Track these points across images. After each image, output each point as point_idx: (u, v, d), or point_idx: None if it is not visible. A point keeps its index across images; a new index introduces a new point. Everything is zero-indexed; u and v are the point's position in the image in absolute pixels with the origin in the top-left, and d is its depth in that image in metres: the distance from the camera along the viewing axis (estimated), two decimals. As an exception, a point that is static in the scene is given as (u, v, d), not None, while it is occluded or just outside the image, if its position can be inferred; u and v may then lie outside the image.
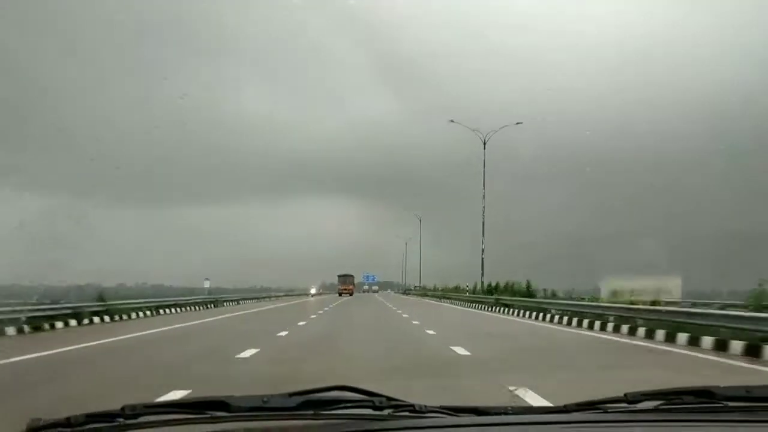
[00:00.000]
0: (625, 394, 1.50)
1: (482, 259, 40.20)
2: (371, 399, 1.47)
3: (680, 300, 24.48)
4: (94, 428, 1.34)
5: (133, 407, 1.38)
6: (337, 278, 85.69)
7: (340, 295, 73.63)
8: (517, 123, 40.83)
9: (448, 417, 1.43)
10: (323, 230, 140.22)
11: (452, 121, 43.05)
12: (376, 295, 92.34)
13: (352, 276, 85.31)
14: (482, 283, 39.91)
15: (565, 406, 1.48)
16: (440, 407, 1.46)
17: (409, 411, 1.44)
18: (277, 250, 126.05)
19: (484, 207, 40.59)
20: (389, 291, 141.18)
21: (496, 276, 43.88)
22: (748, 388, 1.54)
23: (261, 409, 1.42)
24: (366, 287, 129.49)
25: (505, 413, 1.47)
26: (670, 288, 24.90)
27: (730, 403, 1.45)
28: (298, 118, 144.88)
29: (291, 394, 1.47)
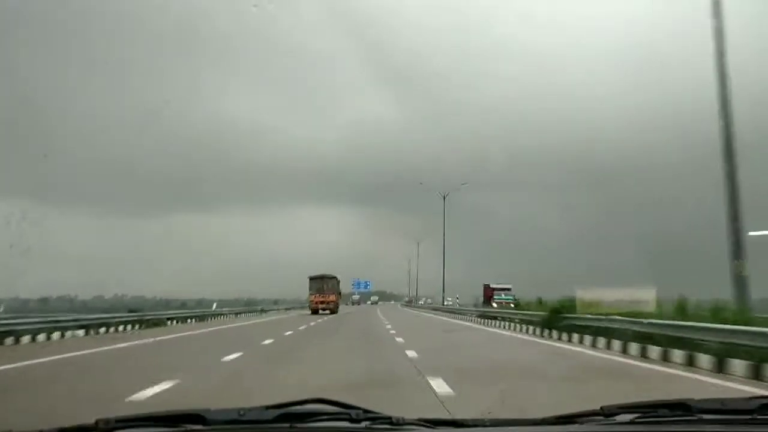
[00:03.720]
0: (602, 407, 1.48)
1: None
2: (348, 412, 1.45)
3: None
4: None
5: (107, 421, 1.34)
6: (308, 283, 47.10)
7: (313, 312, 43.55)
8: (463, 184, 58.99)
9: (426, 430, 1.43)
10: (314, 239, 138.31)
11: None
12: (377, 310, 62.22)
13: (334, 279, 47.28)
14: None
15: (542, 419, 1.47)
16: (418, 420, 1.45)
17: (387, 424, 1.42)
18: (266, 260, 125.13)
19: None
20: (393, 302, 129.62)
21: (473, 286, 44.43)
22: (722, 401, 1.55)
23: (237, 422, 1.40)
24: (356, 297, 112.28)
25: (483, 425, 1.45)
26: (646, 299, 24.52)
27: (705, 416, 1.44)
28: (286, 123, 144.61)
29: (267, 407, 1.44)
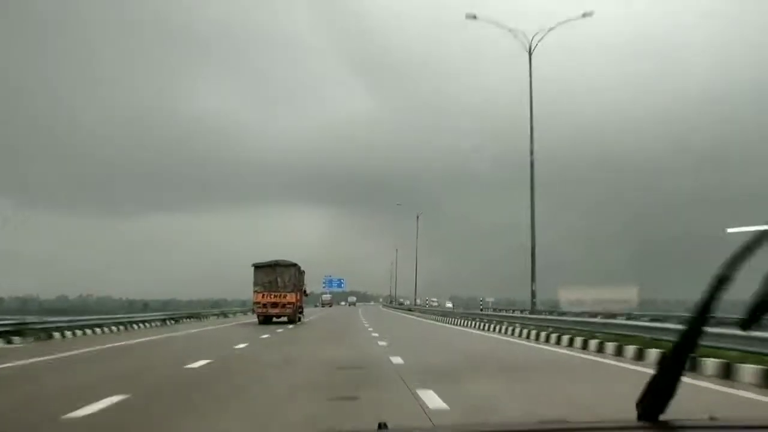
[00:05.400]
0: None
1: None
2: None
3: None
4: None
5: None
6: (253, 275, 30.75)
7: (262, 321, 29.33)
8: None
9: None
10: (286, 238, 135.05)
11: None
12: (358, 313, 52.50)
13: (294, 268, 31.28)
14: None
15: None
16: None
17: None
18: (239, 260, 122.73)
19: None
20: (372, 303, 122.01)
21: (453, 288, 43.22)
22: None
23: None
24: (326, 297, 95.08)
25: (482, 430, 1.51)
26: (628, 297, 24.08)
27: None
28: (264, 119, 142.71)
29: None
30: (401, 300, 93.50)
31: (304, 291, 33.45)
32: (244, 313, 39.05)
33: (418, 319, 41.03)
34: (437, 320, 36.63)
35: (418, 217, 63.07)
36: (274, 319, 29.28)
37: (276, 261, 30.41)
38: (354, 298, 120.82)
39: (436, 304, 71.00)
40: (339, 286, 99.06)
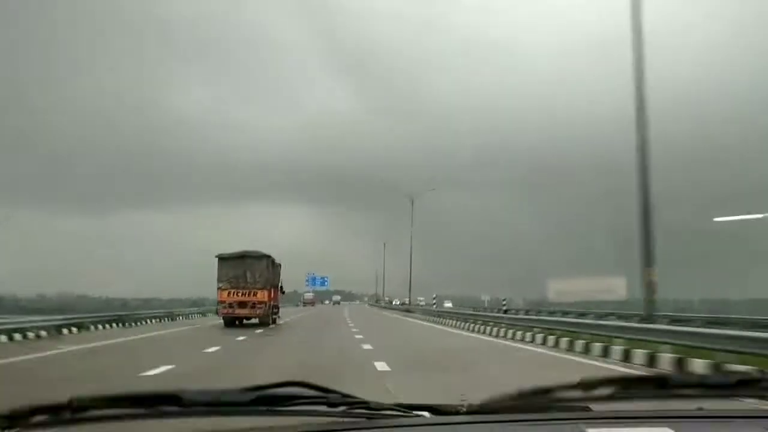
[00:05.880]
0: (580, 381, 1.47)
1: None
2: (326, 396, 1.45)
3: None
4: (39, 421, 1.31)
5: (81, 399, 1.34)
6: (217, 269, 25.47)
7: (228, 323, 25.19)
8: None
9: (403, 416, 1.45)
10: (268, 237, 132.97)
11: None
12: (344, 313, 48.05)
13: (266, 260, 26.12)
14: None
15: (519, 393, 1.47)
16: (395, 404, 1.48)
17: (365, 408, 1.44)
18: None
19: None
20: (357, 302, 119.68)
21: (437, 288, 42.31)
22: (701, 376, 1.69)
23: (214, 404, 1.39)
24: (309, 296, 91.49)
25: (459, 413, 1.47)
26: (616, 288, 23.96)
27: (684, 390, 1.47)
28: (246, 117, 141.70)
29: (244, 390, 1.41)
30: (389, 298, 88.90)
31: (280, 288, 28.97)
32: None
33: (421, 322, 32.97)
34: (438, 323, 30.09)
35: (412, 202, 56.76)
36: (245, 321, 25.26)
37: (244, 251, 25.48)
38: (338, 297, 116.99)
39: (423, 303, 67.40)
40: (323, 284, 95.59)
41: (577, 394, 1.47)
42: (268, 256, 26.02)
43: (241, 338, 18.31)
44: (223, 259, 25.20)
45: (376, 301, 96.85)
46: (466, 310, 37.26)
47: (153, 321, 29.08)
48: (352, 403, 1.46)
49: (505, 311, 34.07)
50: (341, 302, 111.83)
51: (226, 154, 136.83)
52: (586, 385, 1.48)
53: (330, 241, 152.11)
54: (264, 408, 1.41)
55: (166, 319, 30.87)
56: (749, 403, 1.52)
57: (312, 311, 58.74)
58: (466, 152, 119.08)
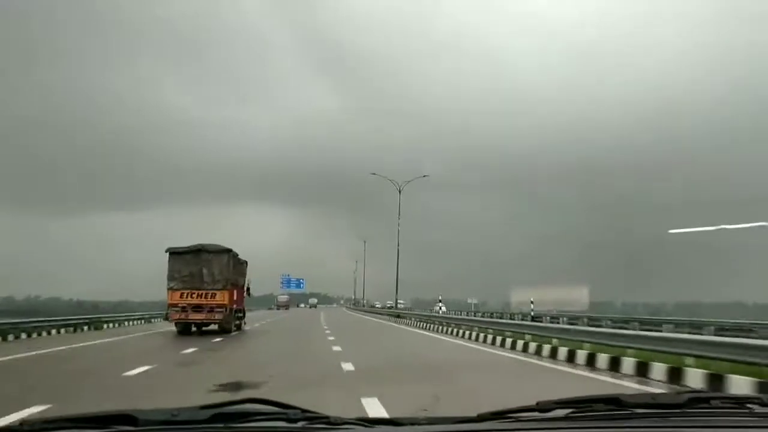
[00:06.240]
0: (537, 403, 1.54)
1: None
2: (285, 412, 1.45)
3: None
4: None
5: (32, 423, 1.33)
6: (168, 265, 21.66)
7: (181, 330, 21.71)
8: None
9: (363, 429, 1.43)
10: (253, 238, 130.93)
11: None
12: (321, 318, 42.81)
13: (227, 255, 22.22)
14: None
15: (479, 415, 1.51)
16: (356, 419, 1.46)
17: (325, 423, 1.43)
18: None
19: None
20: (335, 306, 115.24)
21: (416, 291, 41.65)
22: (653, 396, 1.66)
23: (170, 423, 1.37)
24: (283, 299, 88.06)
25: (420, 424, 1.48)
26: (579, 297, 24.58)
27: (637, 410, 1.52)
28: (223, 116, 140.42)
29: (202, 407, 1.42)
30: (367, 300, 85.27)
31: (247, 289, 25.46)
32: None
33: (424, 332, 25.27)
34: (428, 329, 26.06)
35: (400, 191, 48.66)
36: (203, 328, 21.98)
37: (201, 245, 21.78)
38: (315, 300, 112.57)
39: (390, 305, 64.32)
40: (298, 286, 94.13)
41: (535, 414, 1.52)
42: (230, 251, 22.40)
43: (188, 351, 14.47)
44: (175, 253, 21.69)
45: (354, 303, 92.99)
46: (465, 315, 33.36)
47: (62, 331, 22.98)
48: (311, 418, 1.45)
49: (532, 318, 27.34)
50: (318, 305, 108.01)
51: (202, 155, 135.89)
52: (544, 406, 1.54)
53: (307, 243, 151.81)
54: (221, 425, 1.38)
55: (85, 327, 24.90)
56: (700, 421, 1.51)
57: (284, 315, 54.68)
58: (451, 153, 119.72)
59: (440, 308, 40.41)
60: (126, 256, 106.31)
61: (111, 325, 27.33)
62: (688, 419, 1.51)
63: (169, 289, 21.42)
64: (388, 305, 69.19)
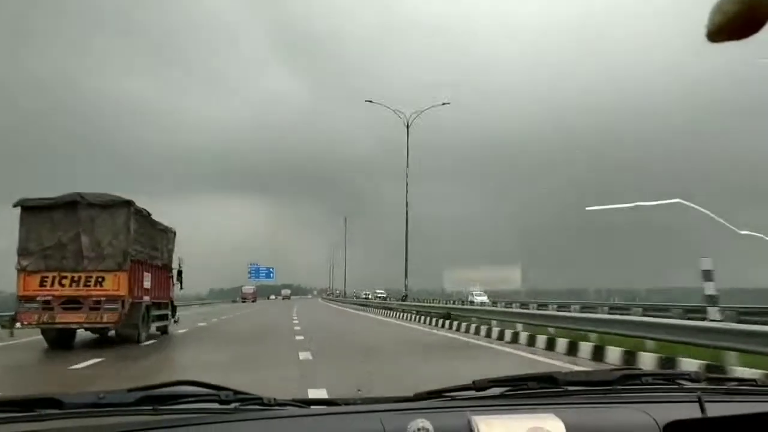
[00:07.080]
0: (473, 382, 1.55)
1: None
2: (217, 393, 1.42)
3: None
4: None
5: None
6: (19, 230, 13.09)
7: (52, 340, 13.36)
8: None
9: (297, 409, 1.42)
10: (223, 228, 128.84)
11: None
12: (293, 311, 36.79)
13: (126, 208, 13.53)
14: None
15: (415, 394, 1.53)
16: (291, 400, 1.45)
17: (258, 404, 1.41)
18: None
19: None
20: (309, 297, 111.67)
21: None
22: (587, 373, 1.81)
23: (96, 405, 1.34)
24: (249, 290, 79.77)
25: (355, 403, 1.49)
26: (511, 278, 25.01)
27: (571, 387, 1.56)
28: (192, 104, 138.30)
29: (130, 390, 1.39)
30: (340, 289, 79.47)
31: (178, 274, 18.64)
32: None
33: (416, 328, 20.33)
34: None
35: (408, 126, 38.62)
36: (93, 334, 14.90)
37: (79, 194, 13.56)
38: (288, 291, 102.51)
39: (381, 295, 60.64)
40: (268, 276, 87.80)
41: (471, 393, 1.54)
42: (130, 204, 13.94)
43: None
44: (31, 209, 13.44)
45: (328, 294, 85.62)
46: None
47: None
48: (244, 399, 1.42)
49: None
50: (291, 297, 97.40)
51: (166, 142, 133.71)
52: (480, 384, 1.56)
53: (277, 232, 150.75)
54: (149, 408, 1.35)
55: None
56: (631, 396, 1.55)
57: (247, 311, 42.90)
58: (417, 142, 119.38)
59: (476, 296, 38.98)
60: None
61: None
62: (619, 395, 1.55)
63: (20, 270, 13.24)
64: (379, 294, 62.96)
